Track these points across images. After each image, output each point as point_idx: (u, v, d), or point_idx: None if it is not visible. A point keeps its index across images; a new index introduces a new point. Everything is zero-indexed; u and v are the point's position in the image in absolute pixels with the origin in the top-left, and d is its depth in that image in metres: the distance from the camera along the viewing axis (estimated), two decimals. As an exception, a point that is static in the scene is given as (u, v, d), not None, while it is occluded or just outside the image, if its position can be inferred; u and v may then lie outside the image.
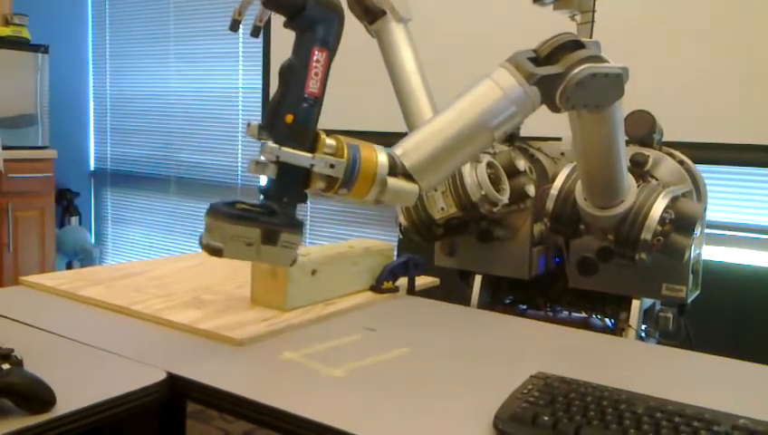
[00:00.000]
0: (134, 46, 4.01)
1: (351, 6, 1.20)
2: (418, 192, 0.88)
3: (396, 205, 0.90)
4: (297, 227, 0.87)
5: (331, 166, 0.84)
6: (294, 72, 0.85)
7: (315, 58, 0.85)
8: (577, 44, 0.89)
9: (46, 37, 3.58)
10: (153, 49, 3.91)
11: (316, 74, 0.85)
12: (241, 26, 1.17)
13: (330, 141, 0.86)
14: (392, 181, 0.87)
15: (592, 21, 1.23)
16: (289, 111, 0.84)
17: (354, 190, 0.86)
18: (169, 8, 3.81)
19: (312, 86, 0.85)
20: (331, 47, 0.87)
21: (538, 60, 0.89)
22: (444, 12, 2.47)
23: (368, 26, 1.21)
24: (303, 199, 0.88)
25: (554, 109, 0.90)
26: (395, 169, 0.88)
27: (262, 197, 0.86)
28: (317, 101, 0.86)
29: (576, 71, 0.87)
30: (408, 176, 0.88)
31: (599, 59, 0.88)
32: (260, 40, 3.01)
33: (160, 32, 3.86)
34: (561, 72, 0.87)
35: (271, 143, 0.83)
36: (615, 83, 0.90)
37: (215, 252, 0.83)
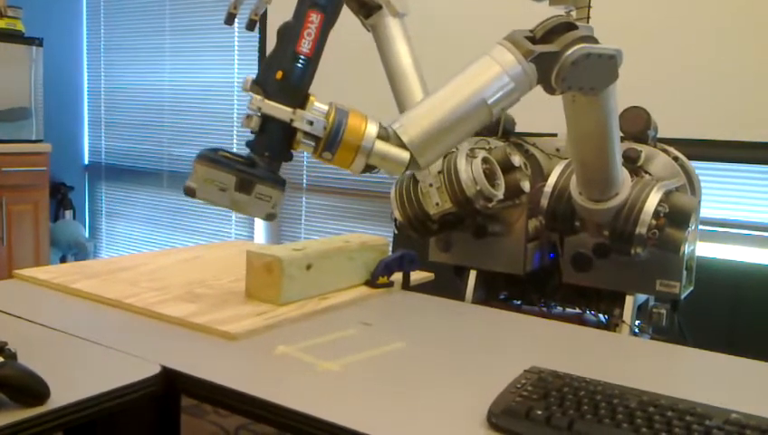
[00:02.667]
0: (129, 39, 3.99)
1: (347, 0, 1.20)
2: (407, 161, 0.88)
3: (384, 169, 0.90)
4: (274, 181, 0.89)
5: (310, 123, 0.86)
6: (289, 32, 0.88)
7: (310, 19, 0.88)
8: (571, 26, 0.90)
9: (40, 30, 3.56)
10: (148, 42, 3.89)
11: (309, 35, 0.88)
12: (236, 20, 1.17)
13: (320, 104, 0.88)
14: (380, 145, 0.88)
15: (588, 17, 1.23)
16: (280, 67, 0.87)
17: (338, 156, 0.88)
18: (164, 1, 3.79)
19: (304, 46, 0.87)
20: (328, 11, 0.89)
21: (534, 40, 0.90)
22: (440, 7, 2.46)
23: (363, 20, 1.21)
24: (287, 157, 0.90)
25: (550, 90, 0.91)
26: (386, 140, 0.88)
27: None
28: (309, 60, 0.88)
29: (572, 50, 0.88)
30: (401, 147, 0.88)
31: (593, 40, 0.90)
32: (255, 33, 3.00)
33: (155, 25, 3.85)
34: (557, 51, 0.88)
35: (257, 96, 0.86)
36: (609, 65, 0.91)
37: (190, 192, 0.87)
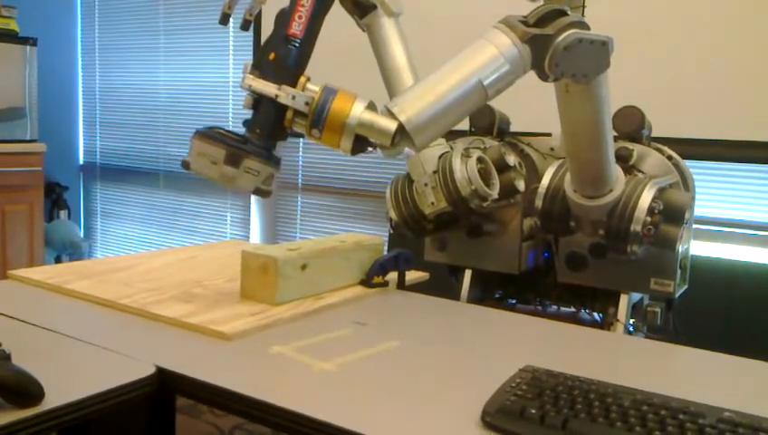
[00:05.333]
0: (123, 39, 3.98)
1: (342, 0, 1.20)
2: (394, 130, 0.89)
3: (372, 139, 0.91)
4: (264, 157, 0.93)
5: (293, 97, 0.91)
6: (283, 16, 0.94)
7: (301, 3, 0.93)
8: (562, 13, 0.93)
9: (35, 30, 3.55)
10: (143, 42, 3.88)
11: (300, 17, 0.93)
12: (231, 20, 1.17)
13: (313, 85, 0.93)
14: (366, 114, 0.90)
15: (582, 16, 1.24)
16: (272, 49, 0.93)
17: (325, 135, 0.91)
18: (159, 1, 3.78)
19: (295, 28, 0.93)
20: None
21: (527, 25, 0.91)
22: (435, 6, 2.46)
23: (358, 20, 1.21)
24: (280, 135, 0.95)
25: (543, 76, 0.92)
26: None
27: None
28: (300, 42, 0.93)
29: (564, 35, 0.89)
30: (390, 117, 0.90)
31: (585, 26, 0.92)
32: (250, 33, 2.99)
33: (150, 25, 3.84)
34: (551, 34, 0.89)
35: (249, 75, 0.92)
36: (601, 51, 0.92)
37: (185, 165, 0.93)
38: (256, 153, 0.93)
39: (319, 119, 0.90)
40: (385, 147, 0.91)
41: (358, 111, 0.90)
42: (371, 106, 0.92)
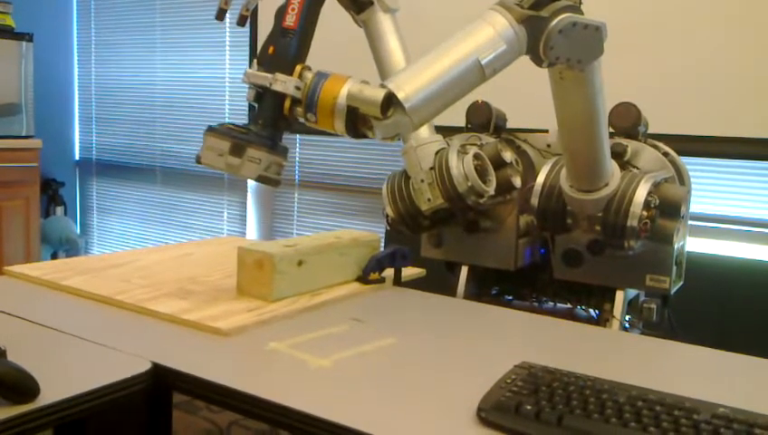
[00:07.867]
0: (119, 35, 3.97)
1: (339, -4, 1.20)
2: (381, 100, 0.88)
3: (362, 109, 0.91)
4: (267, 146, 0.97)
5: (285, 84, 0.95)
6: (281, 12, 0.98)
7: None
8: None
9: (30, 25, 3.54)
10: (139, 38, 3.87)
11: (293, 9, 0.98)
12: (227, 15, 1.17)
13: (307, 73, 0.96)
14: (355, 86, 0.90)
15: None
16: (271, 43, 0.98)
17: (319, 118, 0.94)
18: (155, -3, 3.77)
19: (289, 20, 0.97)
20: None
21: (523, 8, 0.92)
22: (431, 2, 2.46)
23: (355, 16, 1.21)
24: (281, 125, 0.98)
25: (538, 61, 0.93)
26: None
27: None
28: (295, 33, 0.97)
29: (559, 18, 0.90)
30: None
31: (579, 11, 0.93)
32: (247, 29, 2.98)
33: (146, 20, 3.83)
34: (546, 17, 0.90)
35: (249, 70, 0.96)
36: (595, 37, 0.93)
37: (197, 160, 0.98)
38: (258, 142, 0.97)
39: (311, 102, 0.93)
40: (377, 118, 0.88)
41: (344, 100, 0.91)
42: (365, 84, 0.92)
